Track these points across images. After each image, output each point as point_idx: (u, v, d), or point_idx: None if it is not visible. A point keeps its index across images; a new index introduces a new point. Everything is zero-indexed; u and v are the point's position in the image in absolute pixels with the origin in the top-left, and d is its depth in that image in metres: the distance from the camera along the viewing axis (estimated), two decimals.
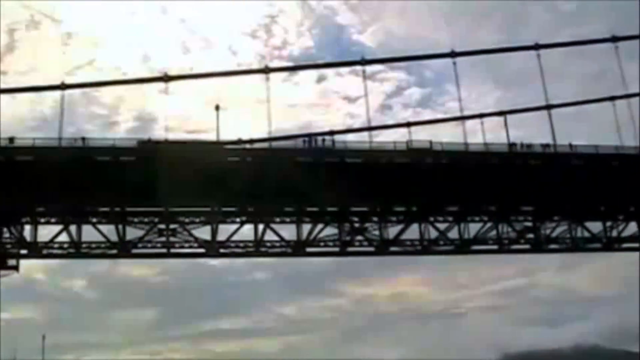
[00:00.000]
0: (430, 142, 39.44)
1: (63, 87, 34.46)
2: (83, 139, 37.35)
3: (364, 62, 39.15)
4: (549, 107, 39.82)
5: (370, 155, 39.10)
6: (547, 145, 41.02)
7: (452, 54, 38.93)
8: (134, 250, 40.81)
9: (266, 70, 37.00)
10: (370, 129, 39.93)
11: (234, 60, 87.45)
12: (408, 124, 40.55)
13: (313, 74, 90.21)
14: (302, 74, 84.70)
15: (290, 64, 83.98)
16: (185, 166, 36.69)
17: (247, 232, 41.55)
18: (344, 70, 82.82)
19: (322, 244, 42.02)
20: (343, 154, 39.11)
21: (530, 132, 42.03)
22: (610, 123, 40.97)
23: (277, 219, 41.42)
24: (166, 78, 35.43)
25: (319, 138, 38.79)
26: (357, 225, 42.09)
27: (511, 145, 40.52)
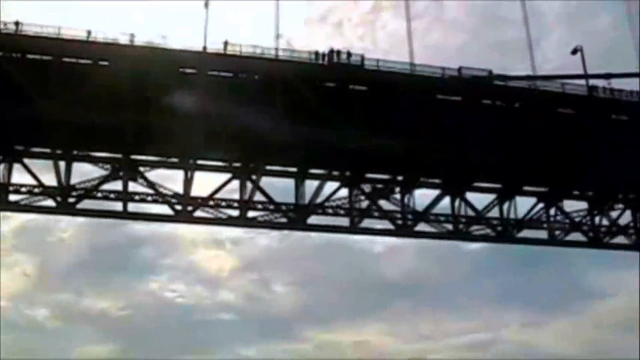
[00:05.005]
0: (490, 72, 29.24)
1: None
2: (17, 23, 26.50)
3: None
4: None
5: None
6: None
7: None
8: (80, 205, 30.41)
9: None
10: None
11: None
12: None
13: None
14: None
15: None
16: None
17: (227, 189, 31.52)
18: None
19: (330, 210, 31.87)
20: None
21: None
22: None
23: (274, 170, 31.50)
24: None
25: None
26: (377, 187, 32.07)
27: (592, 88, 30.73)
